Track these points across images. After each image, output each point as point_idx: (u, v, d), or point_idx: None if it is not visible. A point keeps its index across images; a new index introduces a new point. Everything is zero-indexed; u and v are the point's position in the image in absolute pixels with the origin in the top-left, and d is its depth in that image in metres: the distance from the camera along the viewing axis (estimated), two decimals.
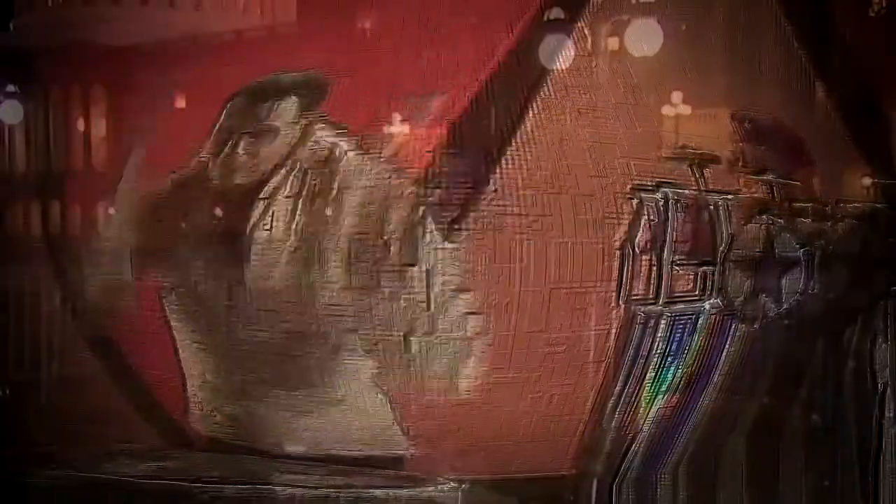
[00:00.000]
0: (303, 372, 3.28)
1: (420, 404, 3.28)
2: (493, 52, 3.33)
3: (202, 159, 3.34)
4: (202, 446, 3.42)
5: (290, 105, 3.26)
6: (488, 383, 3.28)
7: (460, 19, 3.34)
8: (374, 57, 3.31)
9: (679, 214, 3.32)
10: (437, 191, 3.23)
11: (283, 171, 3.24)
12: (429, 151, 3.25)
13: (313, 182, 3.22)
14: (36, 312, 3.61)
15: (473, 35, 3.35)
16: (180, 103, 3.44)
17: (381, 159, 3.21)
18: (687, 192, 3.34)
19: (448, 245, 3.23)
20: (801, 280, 3.48)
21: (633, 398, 3.37)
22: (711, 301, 3.36)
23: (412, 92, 3.27)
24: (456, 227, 3.22)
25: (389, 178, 3.22)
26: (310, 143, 3.24)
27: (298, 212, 3.23)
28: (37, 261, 3.56)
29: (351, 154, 3.22)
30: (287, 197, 3.25)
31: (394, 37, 3.33)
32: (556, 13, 3.35)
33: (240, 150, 3.27)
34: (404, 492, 3.15)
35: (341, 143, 3.22)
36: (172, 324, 3.38)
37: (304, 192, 3.22)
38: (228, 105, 3.32)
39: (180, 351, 3.39)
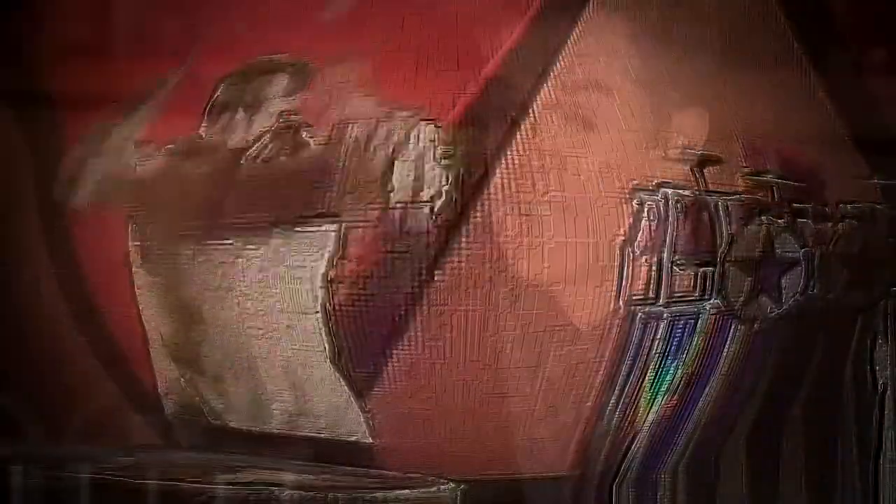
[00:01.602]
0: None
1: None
2: (493, 51, 3.33)
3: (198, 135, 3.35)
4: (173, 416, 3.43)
5: (280, 81, 3.27)
6: (487, 384, 3.28)
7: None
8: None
9: (679, 215, 3.32)
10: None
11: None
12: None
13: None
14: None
15: (472, 34, 3.35)
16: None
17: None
18: (687, 192, 3.34)
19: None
20: (801, 280, 3.48)
21: (633, 398, 3.38)
22: (711, 301, 3.36)
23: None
24: (454, 232, 3.22)
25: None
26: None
27: None
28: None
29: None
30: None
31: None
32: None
33: (237, 120, 3.28)
34: (403, 492, 3.15)
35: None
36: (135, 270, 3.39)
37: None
38: (223, 83, 3.33)
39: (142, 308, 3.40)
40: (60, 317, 3.51)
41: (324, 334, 3.24)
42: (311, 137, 3.25)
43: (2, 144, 3.60)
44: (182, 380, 3.43)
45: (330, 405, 3.30)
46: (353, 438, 3.31)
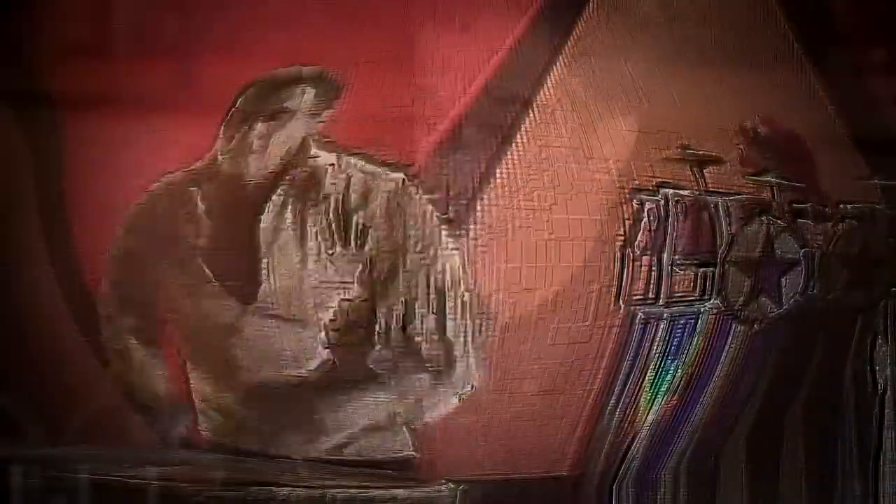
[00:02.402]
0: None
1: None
2: (492, 51, 3.32)
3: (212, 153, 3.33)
4: (202, 446, 3.41)
5: (306, 92, 3.24)
6: (487, 384, 3.28)
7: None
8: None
9: (679, 215, 3.32)
10: (438, 193, 3.23)
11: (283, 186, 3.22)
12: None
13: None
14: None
15: (474, 34, 3.35)
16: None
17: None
18: (687, 192, 3.34)
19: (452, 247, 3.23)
20: (801, 280, 3.48)
21: (633, 398, 3.37)
22: (711, 302, 3.36)
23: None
24: (460, 229, 3.22)
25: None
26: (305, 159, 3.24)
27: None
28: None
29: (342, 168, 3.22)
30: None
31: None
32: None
33: (253, 135, 3.25)
34: (402, 492, 3.14)
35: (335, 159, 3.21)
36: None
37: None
38: (242, 95, 3.31)
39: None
40: (60, 317, 3.50)
41: None
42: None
43: (2, 144, 3.59)
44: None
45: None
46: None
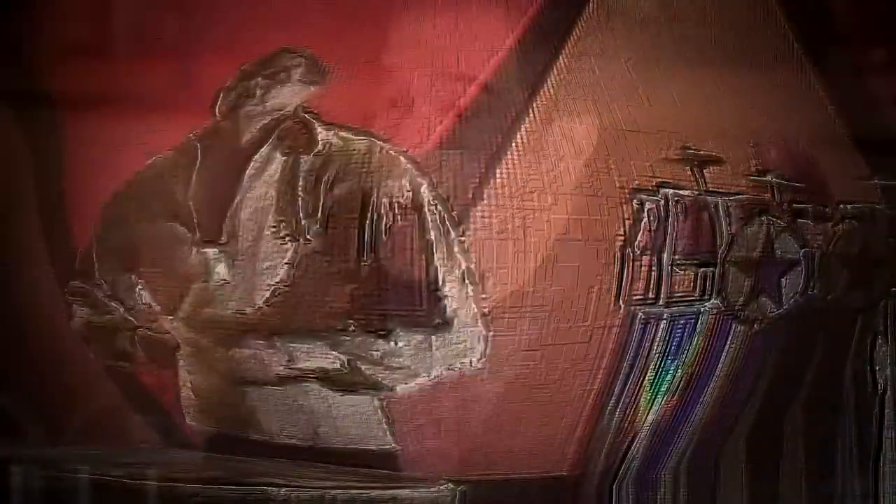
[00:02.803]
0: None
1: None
2: (492, 51, 3.33)
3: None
4: (195, 441, 3.42)
5: (301, 64, 3.29)
6: (487, 384, 3.28)
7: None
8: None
9: (679, 215, 3.32)
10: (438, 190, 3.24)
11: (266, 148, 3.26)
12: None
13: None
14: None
15: (475, 33, 3.35)
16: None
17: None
18: (687, 192, 3.34)
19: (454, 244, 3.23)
20: (801, 281, 3.48)
21: (633, 398, 3.37)
22: (711, 302, 3.36)
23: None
24: (459, 227, 3.22)
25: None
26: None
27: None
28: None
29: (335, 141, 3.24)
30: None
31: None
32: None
33: (254, 86, 3.29)
34: (401, 492, 3.14)
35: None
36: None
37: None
38: (239, 72, 3.34)
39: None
40: (60, 317, 3.50)
41: None
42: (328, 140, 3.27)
43: (2, 144, 3.59)
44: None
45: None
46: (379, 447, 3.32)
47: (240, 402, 3.35)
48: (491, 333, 3.23)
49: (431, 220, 3.22)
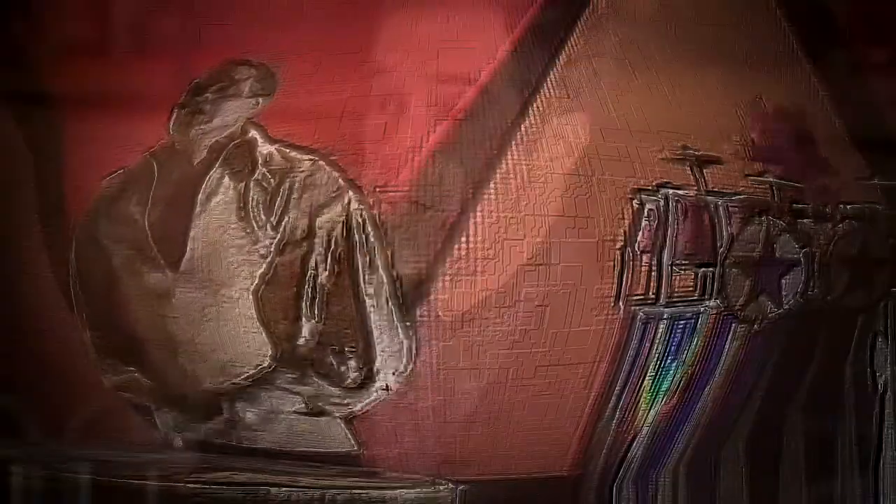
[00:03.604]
0: None
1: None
2: (493, 52, 3.33)
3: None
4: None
5: (251, 77, 3.29)
6: (487, 384, 3.28)
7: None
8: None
9: (679, 215, 3.32)
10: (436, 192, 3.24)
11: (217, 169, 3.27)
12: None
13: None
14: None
15: (475, 32, 3.35)
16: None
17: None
18: (687, 192, 3.34)
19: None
20: (802, 281, 3.48)
21: (633, 399, 3.37)
22: (711, 302, 3.36)
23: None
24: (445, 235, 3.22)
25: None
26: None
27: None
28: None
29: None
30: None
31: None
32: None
33: (203, 103, 3.30)
34: (401, 492, 3.14)
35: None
36: None
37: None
38: (190, 86, 3.35)
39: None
40: (60, 317, 3.50)
41: None
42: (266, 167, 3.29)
43: (2, 144, 3.59)
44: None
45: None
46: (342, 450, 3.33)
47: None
48: (413, 344, 3.23)
49: (360, 249, 3.23)
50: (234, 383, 3.30)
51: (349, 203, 3.23)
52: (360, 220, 3.22)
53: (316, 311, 3.23)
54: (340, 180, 3.24)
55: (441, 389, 3.26)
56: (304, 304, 3.24)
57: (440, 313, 3.23)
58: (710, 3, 3.54)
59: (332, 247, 3.22)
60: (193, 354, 3.32)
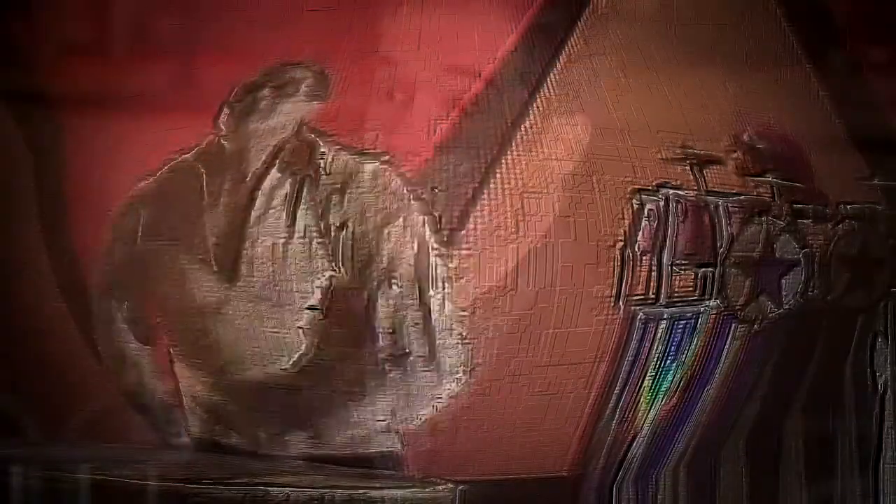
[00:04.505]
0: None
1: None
2: (494, 51, 3.33)
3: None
4: (197, 445, 3.42)
5: (306, 77, 3.27)
6: (487, 383, 3.27)
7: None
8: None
9: (679, 215, 3.32)
10: (434, 192, 3.23)
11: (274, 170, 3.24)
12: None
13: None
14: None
15: (476, 32, 3.35)
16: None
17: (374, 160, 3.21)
18: (687, 193, 3.34)
19: (446, 249, 3.23)
20: (802, 281, 3.48)
21: (633, 399, 3.37)
22: (711, 302, 3.36)
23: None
24: (456, 229, 3.22)
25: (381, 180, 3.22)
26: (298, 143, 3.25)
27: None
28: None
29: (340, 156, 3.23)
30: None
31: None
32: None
33: (259, 99, 3.27)
34: (400, 492, 3.14)
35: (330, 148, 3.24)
36: None
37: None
38: (243, 83, 3.33)
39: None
40: (60, 317, 3.50)
41: None
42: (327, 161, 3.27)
43: (2, 144, 3.59)
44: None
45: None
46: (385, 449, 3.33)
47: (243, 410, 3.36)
48: (469, 347, 3.22)
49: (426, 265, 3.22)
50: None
51: (411, 217, 3.21)
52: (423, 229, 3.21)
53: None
54: (404, 188, 3.22)
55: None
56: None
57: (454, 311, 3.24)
58: (710, 3, 3.54)
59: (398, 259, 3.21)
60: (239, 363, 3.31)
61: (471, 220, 3.23)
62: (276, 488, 3.07)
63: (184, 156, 3.36)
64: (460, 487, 3.23)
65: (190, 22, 3.44)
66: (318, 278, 3.22)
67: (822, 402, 3.72)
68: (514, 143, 3.27)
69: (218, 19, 3.41)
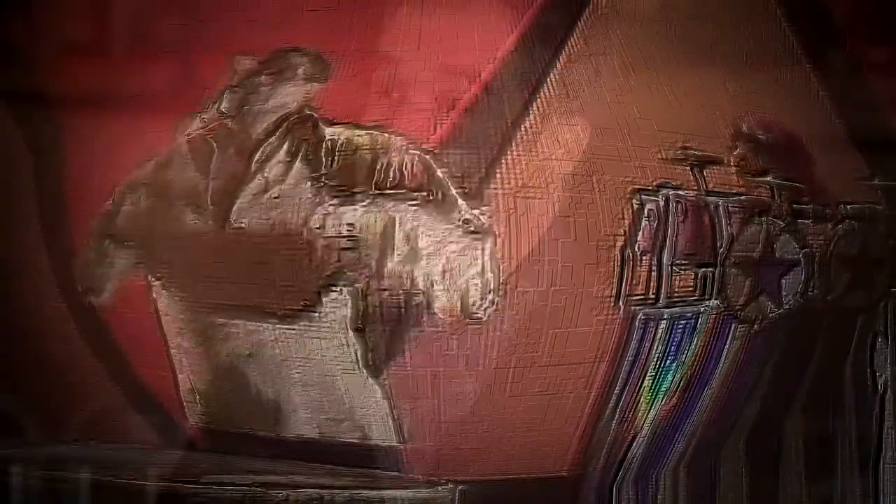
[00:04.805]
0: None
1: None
2: (494, 51, 3.33)
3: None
4: (199, 442, 3.42)
5: (303, 64, 3.30)
6: (486, 384, 3.28)
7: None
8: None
9: (679, 216, 3.32)
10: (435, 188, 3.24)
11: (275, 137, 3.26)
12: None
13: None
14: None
15: (476, 32, 3.35)
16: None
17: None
18: (687, 193, 3.34)
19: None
20: (802, 281, 3.48)
21: (633, 399, 3.38)
22: (711, 302, 3.36)
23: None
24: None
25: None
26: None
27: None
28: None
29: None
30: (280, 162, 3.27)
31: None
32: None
33: (259, 84, 3.32)
34: (400, 493, 3.14)
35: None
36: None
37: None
38: (243, 70, 3.35)
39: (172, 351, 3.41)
40: (60, 317, 3.51)
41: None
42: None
43: (2, 144, 3.59)
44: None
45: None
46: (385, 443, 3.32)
47: (242, 393, 3.36)
48: (501, 286, 3.22)
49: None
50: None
51: (421, 157, 3.23)
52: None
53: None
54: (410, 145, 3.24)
55: (440, 389, 3.26)
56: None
57: (440, 312, 3.23)
58: (710, 3, 3.54)
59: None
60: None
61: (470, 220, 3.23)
62: (275, 489, 3.08)
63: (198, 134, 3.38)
64: (460, 487, 3.23)
65: (190, 22, 3.44)
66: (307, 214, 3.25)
67: (822, 402, 3.72)
68: (514, 143, 3.27)
69: (218, 19, 3.42)
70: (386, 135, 3.25)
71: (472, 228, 3.22)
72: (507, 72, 3.31)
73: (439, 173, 3.23)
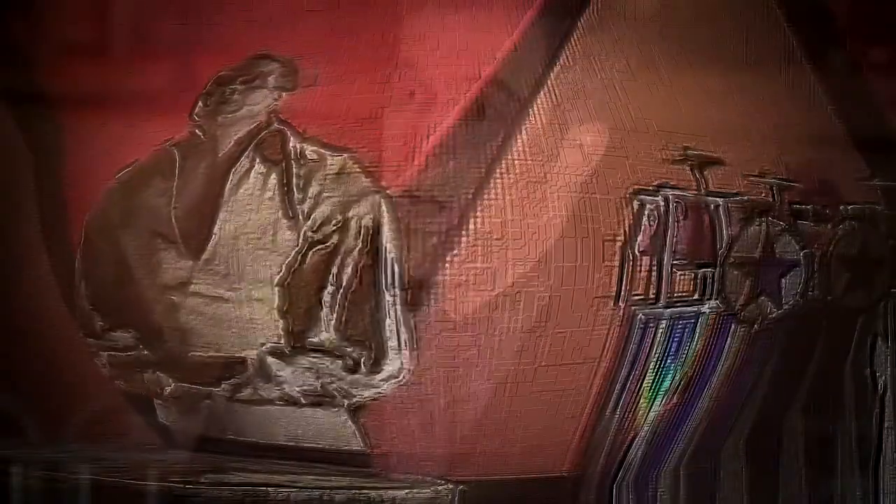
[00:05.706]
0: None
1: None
2: (493, 52, 3.33)
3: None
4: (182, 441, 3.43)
5: (274, 71, 3.30)
6: (494, 383, 3.28)
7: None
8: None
9: (679, 216, 3.32)
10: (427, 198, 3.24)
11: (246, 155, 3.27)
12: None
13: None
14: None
15: (476, 32, 3.35)
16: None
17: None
18: (687, 194, 3.34)
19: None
20: (801, 281, 3.48)
21: (633, 399, 3.38)
22: (711, 302, 3.36)
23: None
24: (452, 233, 3.22)
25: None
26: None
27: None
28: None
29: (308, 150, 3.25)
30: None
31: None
32: None
33: (229, 94, 3.33)
34: (400, 492, 3.15)
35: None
36: None
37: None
38: (215, 77, 3.34)
39: None
40: (60, 317, 3.51)
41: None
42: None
43: (2, 144, 3.59)
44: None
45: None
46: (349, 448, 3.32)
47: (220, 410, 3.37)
48: (415, 353, 3.22)
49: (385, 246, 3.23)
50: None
51: (379, 202, 3.23)
52: (386, 218, 3.22)
53: (338, 303, 3.22)
54: (367, 180, 3.24)
55: (450, 390, 3.26)
56: (325, 294, 3.23)
57: (448, 313, 3.23)
58: (710, 3, 3.54)
59: (362, 244, 3.22)
60: (207, 345, 3.32)
61: (470, 221, 3.23)
62: (275, 488, 3.08)
63: (161, 146, 3.38)
64: (460, 487, 3.23)
65: (190, 22, 3.44)
66: (284, 258, 3.25)
67: (822, 402, 3.72)
68: (514, 144, 3.27)
69: (218, 19, 3.42)
70: (357, 168, 3.24)
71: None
72: (507, 73, 3.31)
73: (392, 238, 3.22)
